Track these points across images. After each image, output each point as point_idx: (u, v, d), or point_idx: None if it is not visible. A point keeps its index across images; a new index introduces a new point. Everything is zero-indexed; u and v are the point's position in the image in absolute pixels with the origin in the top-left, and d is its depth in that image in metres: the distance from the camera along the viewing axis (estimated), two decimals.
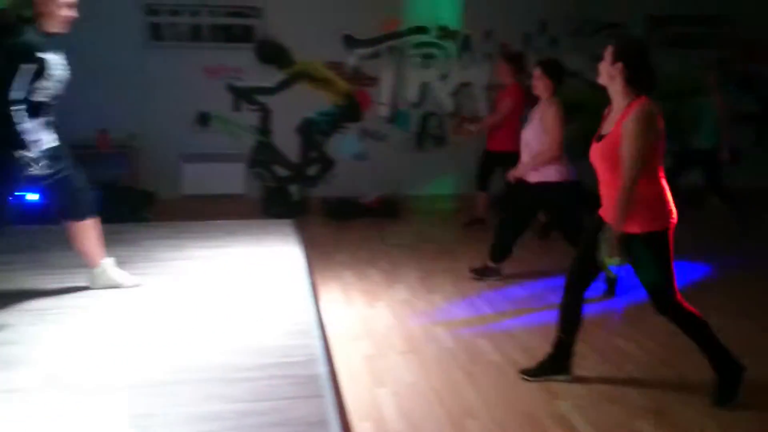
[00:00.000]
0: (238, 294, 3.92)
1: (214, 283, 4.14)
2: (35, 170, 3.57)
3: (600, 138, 3.25)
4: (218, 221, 5.90)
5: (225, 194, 8.02)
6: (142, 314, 3.60)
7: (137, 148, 7.77)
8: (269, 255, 4.73)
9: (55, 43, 3.59)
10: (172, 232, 5.45)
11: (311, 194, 8.18)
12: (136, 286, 4.02)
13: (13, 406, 2.56)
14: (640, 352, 4.02)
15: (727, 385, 3.28)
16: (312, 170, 8.24)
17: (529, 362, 3.74)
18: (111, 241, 5.02)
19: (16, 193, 3.77)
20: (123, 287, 3.98)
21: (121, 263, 4.51)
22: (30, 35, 3.43)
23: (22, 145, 3.47)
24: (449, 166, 8.33)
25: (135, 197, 7.50)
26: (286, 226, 5.60)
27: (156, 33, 7.74)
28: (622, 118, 3.13)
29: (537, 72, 4.91)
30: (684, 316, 3.25)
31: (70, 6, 3.58)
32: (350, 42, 8.04)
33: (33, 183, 3.66)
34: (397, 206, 7.98)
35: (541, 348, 3.76)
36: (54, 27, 3.56)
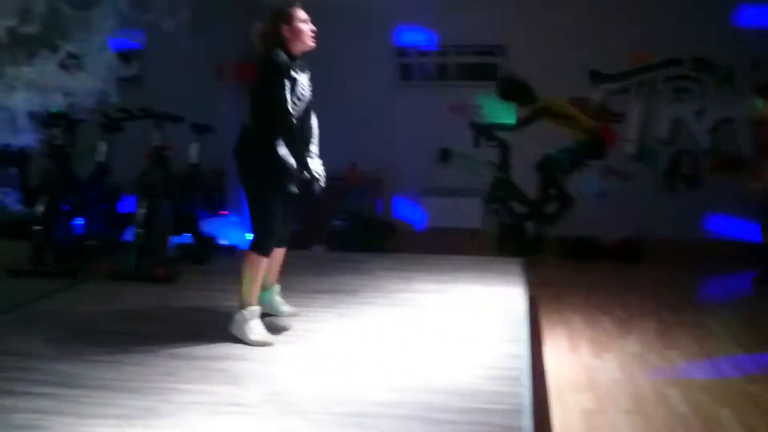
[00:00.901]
0: (452, 331, 3.92)
1: (432, 318, 4.18)
2: (318, 185, 3.76)
3: None
4: (448, 256, 5.98)
5: (462, 228, 8.13)
6: (361, 343, 3.74)
7: (382, 182, 8.19)
8: (492, 294, 4.68)
9: (301, 64, 3.73)
10: (404, 264, 5.62)
11: (548, 232, 7.97)
12: (296, 314, 4.12)
13: (236, 419, 2.79)
14: None
15: None
16: (550, 208, 8.04)
17: None
18: (348, 270, 5.38)
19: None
20: (282, 314, 4.09)
21: (352, 291, 4.79)
22: (283, 56, 3.57)
23: (303, 161, 3.63)
24: (703, 209, 7.63)
25: (378, 228, 7.90)
26: (515, 264, 5.50)
27: (405, 73, 8.14)
28: None
29: None
30: None
31: (307, 22, 3.67)
32: (596, 77, 7.77)
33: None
34: (641, 249, 7.48)
35: None
36: (298, 48, 3.67)
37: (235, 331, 3.70)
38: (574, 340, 4.90)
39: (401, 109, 8.12)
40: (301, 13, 3.69)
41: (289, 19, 3.62)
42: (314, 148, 3.90)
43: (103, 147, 5.66)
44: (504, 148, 8.01)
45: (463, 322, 4.08)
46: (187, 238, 5.69)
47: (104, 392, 3.04)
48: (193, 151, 5.79)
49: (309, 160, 3.73)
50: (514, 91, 7.89)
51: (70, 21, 4.67)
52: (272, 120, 3.60)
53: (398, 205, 8.22)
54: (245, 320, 3.69)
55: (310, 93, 3.82)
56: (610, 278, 6.75)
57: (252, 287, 3.72)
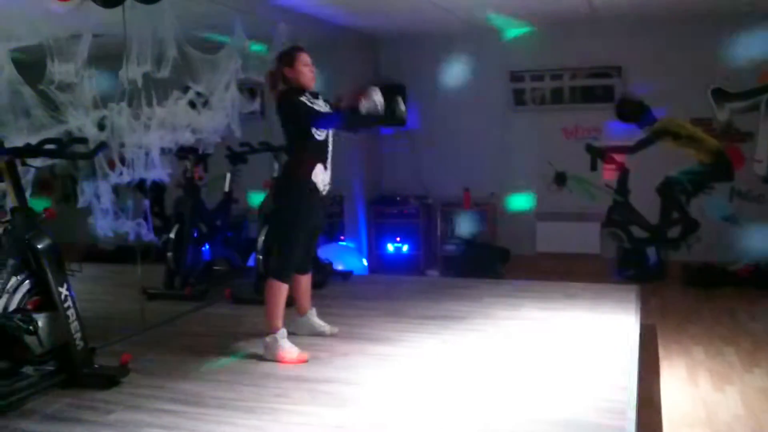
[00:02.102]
0: (558, 361, 3.89)
1: (539, 346, 4.17)
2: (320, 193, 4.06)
3: None
4: (560, 282, 5.91)
5: (579, 253, 7.98)
6: (463, 370, 3.79)
7: (496, 206, 8.19)
8: (603, 322, 4.60)
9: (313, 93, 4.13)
10: (513, 290, 5.63)
11: (671, 258, 7.66)
12: (334, 334, 4.39)
13: None
14: None
15: None
16: (673, 232, 7.72)
17: None
18: (455, 296, 5.46)
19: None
20: (324, 334, 4.40)
21: (459, 317, 4.85)
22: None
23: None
24: None
25: (492, 253, 7.90)
26: (630, 292, 5.37)
27: (519, 98, 8.13)
28: None
29: None
30: None
31: (308, 65, 4.06)
32: (721, 96, 7.43)
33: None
34: None
35: None
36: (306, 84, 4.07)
37: (268, 355, 3.98)
38: (694, 372, 4.70)
39: (515, 133, 8.11)
40: (304, 57, 4.04)
41: (291, 61, 4.02)
42: (328, 164, 4.16)
43: (228, 178, 6.07)
44: (623, 170, 7.78)
45: (571, 351, 4.05)
46: None
47: (222, 411, 3.28)
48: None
49: (322, 171, 4.05)
50: (632, 112, 7.67)
51: (199, 64, 5.06)
52: (303, 142, 4.00)
53: (513, 230, 8.17)
54: (275, 342, 3.97)
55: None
56: (737, 307, 6.40)
57: (275, 312, 4.01)
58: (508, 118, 8.18)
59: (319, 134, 4.02)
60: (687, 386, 4.46)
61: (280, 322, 4.02)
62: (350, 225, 8.03)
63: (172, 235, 5.53)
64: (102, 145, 3.71)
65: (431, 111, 8.40)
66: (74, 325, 3.53)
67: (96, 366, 3.67)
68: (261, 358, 4.02)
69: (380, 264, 8.33)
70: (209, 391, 3.52)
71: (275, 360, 3.94)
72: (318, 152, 4.06)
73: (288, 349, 3.97)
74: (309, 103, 4.01)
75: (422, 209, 8.32)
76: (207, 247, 5.95)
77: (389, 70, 8.51)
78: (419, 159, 8.41)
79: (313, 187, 4.04)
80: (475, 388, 3.52)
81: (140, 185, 4.77)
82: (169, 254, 5.51)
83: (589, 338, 4.28)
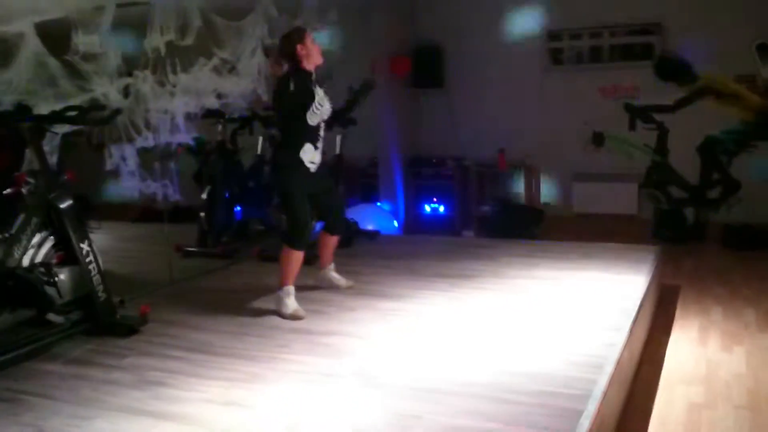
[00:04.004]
0: (555, 318, 3.98)
1: (541, 304, 4.27)
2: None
3: None
4: (582, 243, 5.94)
5: (616, 214, 7.93)
6: (460, 325, 3.94)
7: (532, 167, 8.19)
8: (611, 282, 4.64)
9: (317, 79, 4.24)
10: (534, 251, 5.70)
11: (711, 219, 7.52)
12: (350, 287, 4.67)
13: (323, 387, 3.14)
14: None
15: None
16: (713, 193, 7.56)
17: None
18: (475, 255, 5.57)
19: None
20: (340, 287, 4.67)
21: (471, 276, 4.98)
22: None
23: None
24: None
25: (526, 214, 7.94)
26: (648, 253, 5.36)
27: (556, 57, 8.05)
28: None
29: None
30: None
31: (314, 42, 4.18)
32: (766, 51, 7.17)
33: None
34: None
35: None
36: (311, 65, 4.17)
37: (275, 305, 4.26)
38: (707, 332, 4.71)
39: (551, 93, 8.05)
40: (312, 36, 4.18)
41: (302, 38, 4.12)
42: (319, 144, 4.29)
43: (260, 141, 6.30)
44: (662, 130, 7.64)
45: (570, 310, 4.13)
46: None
47: (225, 359, 3.54)
48: (338, 142, 6.22)
49: (311, 150, 4.20)
50: (673, 70, 7.49)
51: (223, 31, 5.25)
52: (296, 124, 4.16)
53: (550, 191, 8.16)
54: (281, 298, 4.22)
55: (330, 105, 4.26)
56: None
57: (285, 272, 4.26)
58: (544, 78, 8.12)
59: (313, 121, 4.16)
60: (696, 346, 4.48)
61: (289, 280, 4.25)
62: (386, 187, 8.19)
63: (204, 196, 5.81)
64: (116, 112, 3.96)
65: (468, 72, 8.42)
66: (96, 278, 3.84)
67: (118, 316, 3.98)
68: (273, 312, 4.27)
69: (417, 225, 8.49)
70: (218, 341, 3.79)
71: (278, 311, 4.20)
72: (308, 135, 4.19)
73: (287, 304, 4.20)
74: (317, 99, 4.12)
75: (458, 170, 8.40)
76: (240, 207, 6.22)
77: (426, 31, 8.53)
78: (456, 120, 8.46)
79: (300, 163, 4.17)
80: (464, 341, 3.67)
81: (165, 149, 5.04)
82: (201, 214, 5.81)
83: (591, 297, 4.35)
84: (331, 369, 3.35)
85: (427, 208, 8.50)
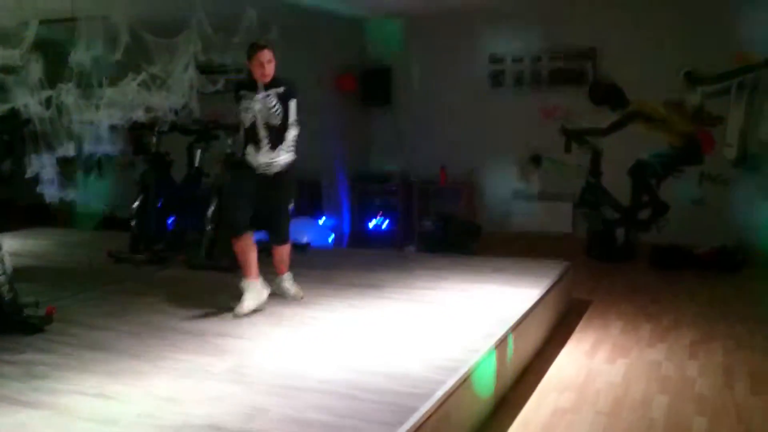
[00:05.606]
0: (437, 325, 4.21)
1: (430, 312, 4.49)
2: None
3: None
4: (492, 257, 6.19)
5: (552, 232, 8.18)
6: (345, 329, 4.16)
7: (472, 185, 8.45)
8: (504, 294, 4.87)
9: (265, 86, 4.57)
10: (450, 264, 5.93)
11: (640, 239, 7.79)
12: (299, 298, 4.85)
13: (193, 381, 3.35)
14: None
15: None
16: (643, 214, 7.84)
17: None
18: (394, 267, 5.79)
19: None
20: (287, 297, 4.86)
21: (380, 286, 5.20)
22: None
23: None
24: None
25: (465, 230, 8.17)
26: (555, 268, 5.60)
27: (497, 79, 8.34)
28: None
29: None
30: None
31: (262, 64, 4.50)
32: (692, 79, 7.48)
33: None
34: (738, 260, 7.11)
35: None
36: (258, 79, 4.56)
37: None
38: (599, 345, 4.93)
39: (492, 114, 8.34)
40: (261, 55, 4.51)
41: (249, 56, 4.55)
42: (262, 146, 4.61)
43: (198, 153, 6.53)
44: (595, 153, 7.94)
45: (453, 318, 4.36)
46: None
47: (114, 356, 3.74)
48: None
49: (253, 152, 4.61)
50: (605, 95, 7.81)
51: (153, 47, 5.51)
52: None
53: (488, 208, 8.40)
54: (243, 289, 4.55)
55: (265, 110, 4.57)
56: (693, 288, 6.52)
57: (240, 262, 4.66)
58: (485, 99, 8.40)
59: (246, 123, 4.59)
60: (583, 358, 4.70)
61: (247, 271, 4.61)
62: (330, 201, 8.42)
63: (136, 204, 6.04)
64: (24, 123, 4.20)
65: (413, 91, 8.70)
66: (1, 278, 4.06)
67: (24, 315, 4.19)
68: (181, 315, 4.48)
69: (362, 239, 8.72)
70: (114, 340, 4.00)
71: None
72: (248, 137, 4.63)
73: (244, 298, 4.52)
74: (236, 101, 4.63)
75: (403, 186, 8.66)
76: (174, 217, 6.44)
77: (373, 51, 8.82)
78: (402, 137, 8.73)
79: (243, 163, 4.59)
80: (337, 344, 3.91)
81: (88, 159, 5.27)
82: (133, 222, 6.03)
83: (479, 306, 4.58)
84: (208, 366, 3.57)
85: (372, 223, 8.74)
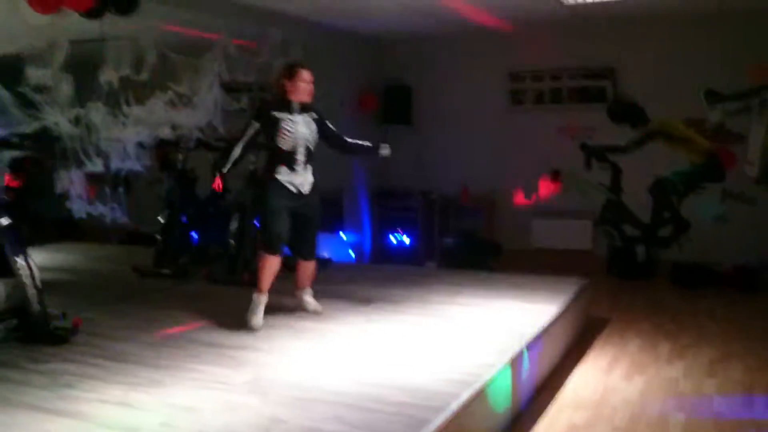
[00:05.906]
0: (449, 340, 4.26)
1: (446, 328, 4.54)
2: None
3: None
4: (507, 274, 6.25)
5: (572, 249, 8.18)
6: (361, 343, 4.24)
7: (494, 202, 8.49)
8: (521, 310, 4.90)
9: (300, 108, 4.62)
10: (467, 280, 5.98)
11: (661, 257, 7.76)
12: (317, 312, 4.89)
13: (211, 393, 3.43)
14: None
15: None
16: (664, 232, 7.81)
17: None
18: (411, 283, 5.87)
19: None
20: (307, 311, 4.93)
21: (397, 301, 5.26)
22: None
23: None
24: None
25: (485, 248, 8.21)
26: (575, 284, 5.61)
27: (517, 97, 8.40)
28: None
29: None
30: None
31: (305, 82, 4.59)
32: (713, 97, 7.45)
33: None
34: (758, 278, 7.06)
35: None
36: (297, 99, 4.59)
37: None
38: (617, 362, 4.93)
39: (513, 132, 8.39)
40: (307, 75, 4.54)
41: (291, 75, 4.55)
42: (297, 167, 4.65)
43: None
44: (616, 170, 7.93)
45: (469, 332, 4.40)
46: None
47: (136, 366, 3.85)
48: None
49: (287, 173, 4.61)
50: (625, 113, 7.80)
51: (179, 66, 5.67)
52: (271, 146, 4.67)
53: (510, 226, 8.44)
54: (252, 303, 4.62)
55: (309, 132, 4.63)
56: (714, 306, 6.49)
57: (261, 277, 4.66)
58: (506, 117, 8.46)
59: (285, 146, 4.57)
60: (600, 374, 4.71)
61: (262, 286, 4.66)
62: (351, 217, 8.52)
63: (161, 220, 6.18)
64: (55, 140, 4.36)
65: (434, 110, 8.79)
66: (31, 291, 4.19)
67: (51, 326, 4.31)
68: (201, 328, 4.58)
69: (383, 255, 8.79)
70: (135, 351, 4.10)
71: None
72: (282, 158, 4.60)
73: (252, 311, 4.60)
74: (262, 120, 4.62)
75: (424, 203, 8.73)
76: (198, 232, 6.57)
77: (395, 70, 8.94)
78: (423, 155, 8.81)
79: (278, 183, 4.61)
80: (354, 357, 3.97)
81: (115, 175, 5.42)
82: (158, 237, 6.17)
83: (496, 322, 4.62)
84: (227, 378, 3.65)
85: (393, 239, 8.81)
